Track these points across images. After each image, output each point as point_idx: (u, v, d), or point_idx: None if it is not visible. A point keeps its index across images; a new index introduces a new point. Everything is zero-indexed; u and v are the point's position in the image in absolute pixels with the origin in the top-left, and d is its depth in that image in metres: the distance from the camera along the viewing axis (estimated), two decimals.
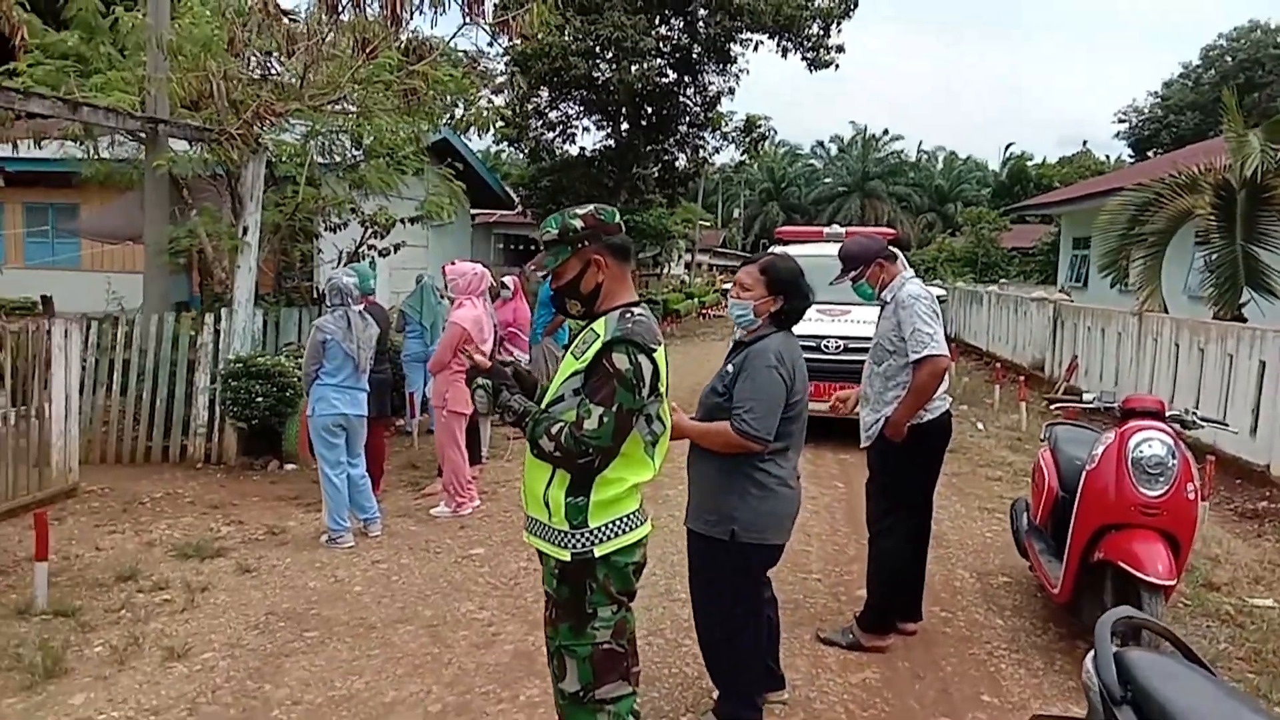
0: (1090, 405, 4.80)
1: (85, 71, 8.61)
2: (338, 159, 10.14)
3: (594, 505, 2.68)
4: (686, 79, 24.42)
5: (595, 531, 2.69)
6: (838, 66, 23.23)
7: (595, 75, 22.47)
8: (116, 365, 8.42)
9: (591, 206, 2.84)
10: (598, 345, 2.65)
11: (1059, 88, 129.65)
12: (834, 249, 5.12)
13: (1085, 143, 62.00)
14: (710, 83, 24.80)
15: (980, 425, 11.18)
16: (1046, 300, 15.07)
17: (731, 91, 25.07)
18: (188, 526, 6.58)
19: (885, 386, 4.60)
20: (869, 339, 4.88)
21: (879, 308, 4.83)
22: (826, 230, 12.05)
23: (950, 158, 67.57)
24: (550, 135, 25.45)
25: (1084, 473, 4.44)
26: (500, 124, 25.59)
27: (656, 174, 26.12)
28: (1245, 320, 9.81)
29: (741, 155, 27.69)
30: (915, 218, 59.23)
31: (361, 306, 6.30)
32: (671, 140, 25.51)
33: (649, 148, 25.10)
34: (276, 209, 9.09)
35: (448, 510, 6.90)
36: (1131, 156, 45.18)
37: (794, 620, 4.91)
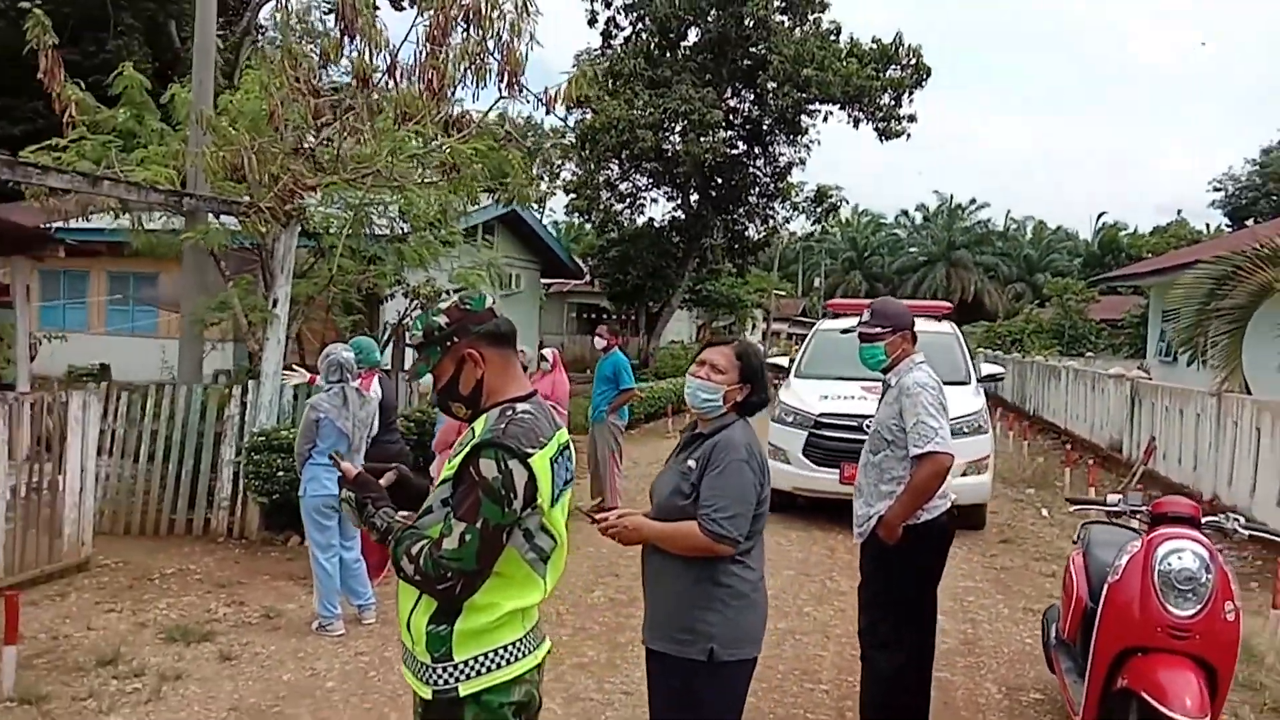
0: (1114, 509, 4.27)
1: (129, 146, 8.81)
2: (383, 231, 10.18)
3: (459, 635, 2.33)
4: (756, 150, 24.40)
5: (461, 666, 2.34)
6: (909, 136, 23.03)
7: (664, 147, 22.56)
8: (145, 435, 8.43)
9: (456, 297, 2.56)
10: (469, 448, 2.34)
11: (1153, 156, 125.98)
12: None
13: (1180, 212, 59.71)
14: (780, 153, 24.76)
15: (1045, 511, 10.47)
16: (1124, 377, 14.23)
17: (802, 162, 25.09)
18: (186, 606, 6.40)
19: (880, 479, 4.19)
20: None
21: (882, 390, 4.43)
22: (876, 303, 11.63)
23: (1039, 227, 65.85)
24: (619, 206, 25.59)
25: (1106, 585, 3.93)
26: (571, 196, 25.90)
27: (725, 243, 25.97)
28: None
29: (812, 225, 27.42)
30: (1003, 287, 57.81)
31: (359, 381, 6.13)
32: (741, 210, 25.41)
33: (718, 218, 25.01)
34: (310, 281, 9.11)
35: None
36: (1229, 225, 43.30)
37: None
